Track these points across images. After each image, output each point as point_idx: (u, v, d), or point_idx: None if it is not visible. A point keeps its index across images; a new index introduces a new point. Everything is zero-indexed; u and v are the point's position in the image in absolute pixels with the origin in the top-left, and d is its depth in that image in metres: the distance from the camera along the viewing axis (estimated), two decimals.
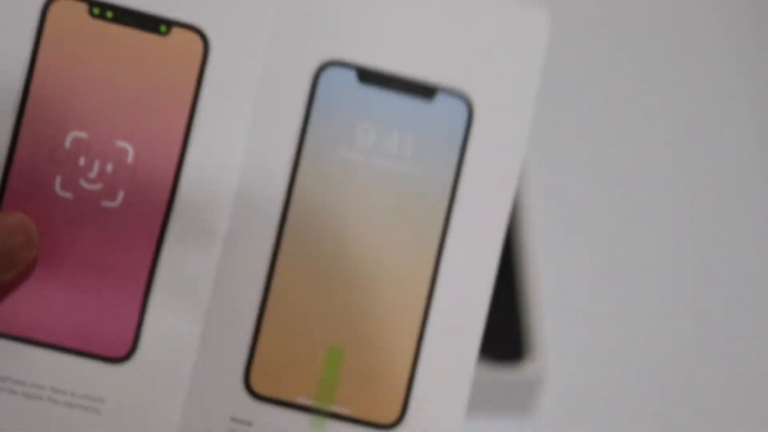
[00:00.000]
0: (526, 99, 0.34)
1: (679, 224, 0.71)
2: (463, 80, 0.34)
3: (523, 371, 0.59)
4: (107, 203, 0.33)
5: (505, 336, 0.60)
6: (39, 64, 0.33)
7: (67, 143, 0.33)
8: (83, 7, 0.33)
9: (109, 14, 0.33)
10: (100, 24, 0.33)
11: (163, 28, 0.33)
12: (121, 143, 0.33)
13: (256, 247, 0.34)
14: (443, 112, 0.34)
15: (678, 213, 0.72)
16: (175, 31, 0.33)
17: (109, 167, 0.33)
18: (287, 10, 0.34)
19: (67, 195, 0.33)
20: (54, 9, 0.33)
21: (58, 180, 0.33)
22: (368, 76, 0.34)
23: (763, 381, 0.66)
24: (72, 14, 0.33)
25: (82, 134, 0.33)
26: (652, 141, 0.74)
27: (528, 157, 0.68)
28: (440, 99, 0.34)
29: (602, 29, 0.76)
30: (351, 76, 0.34)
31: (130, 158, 0.33)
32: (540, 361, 0.60)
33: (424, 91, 0.34)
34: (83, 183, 0.33)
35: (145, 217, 0.33)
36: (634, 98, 0.76)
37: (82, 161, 0.33)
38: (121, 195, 0.33)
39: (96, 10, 0.33)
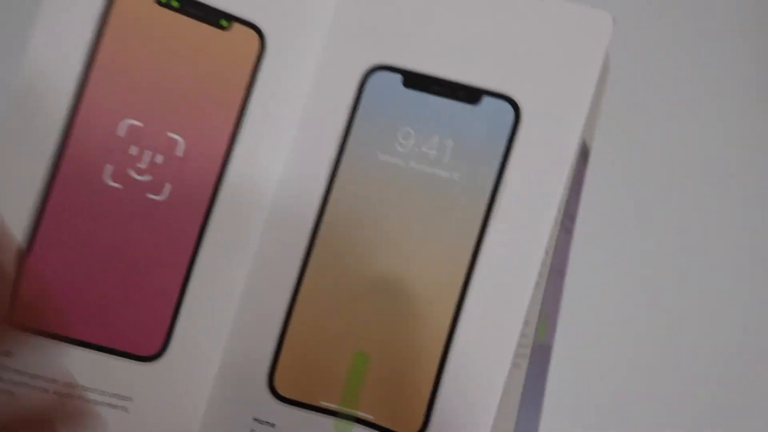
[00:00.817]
0: (580, 105, 0.33)
1: (679, 225, 0.72)
2: (512, 84, 0.33)
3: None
4: (153, 196, 0.32)
5: None
6: (102, 48, 0.31)
7: (121, 131, 0.31)
8: None
9: (175, 3, 0.32)
10: (165, 13, 0.32)
11: (224, 22, 0.32)
12: (172, 134, 0.32)
13: (289, 250, 0.33)
14: (489, 116, 0.33)
15: (678, 214, 0.72)
16: (235, 27, 0.32)
17: (159, 158, 0.32)
18: (343, 15, 0.34)
19: (117, 185, 0.31)
20: None
21: (108, 169, 0.31)
22: (413, 80, 0.34)
23: (764, 381, 0.67)
24: (139, 1, 0.32)
25: (137, 122, 0.31)
26: (651, 141, 0.73)
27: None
28: (486, 103, 0.33)
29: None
30: (396, 80, 0.34)
31: (180, 150, 0.32)
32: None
33: (469, 94, 0.33)
34: (132, 173, 0.31)
35: (187, 214, 0.32)
36: (634, 99, 0.77)
37: (134, 150, 0.31)
38: (167, 188, 0.32)
39: None
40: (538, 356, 0.38)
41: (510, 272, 0.33)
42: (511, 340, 0.32)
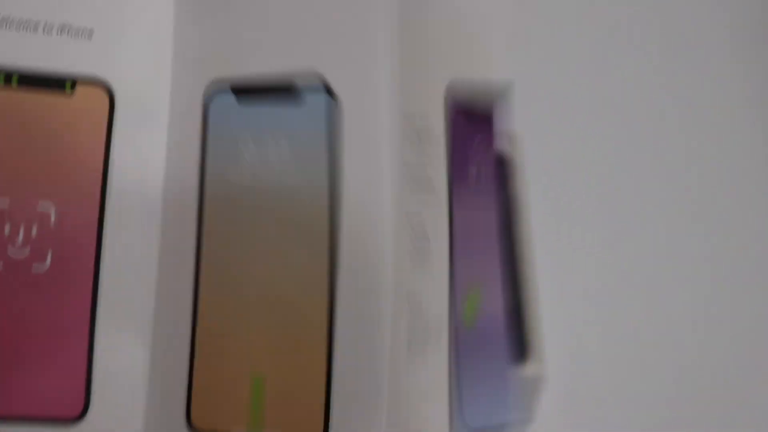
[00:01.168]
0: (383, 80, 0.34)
1: (678, 226, 0.72)
2: (326, 71, 0.33)
3: (524, 372, 0.60)
4: (38, 266, 0.33)
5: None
6: None
7: None
8: None
9: (14, 83, 0.33)
10: (6, 92, 0.33)
11: (68, 87, 0.34)
12: (42, 203, 0.33)
13: (182, 283, 0.34)
14: (311, 111, 0.34)
15: (678, 214, 0.72)
16: (80, 89, 0.34)
17: (34, 231, 0.33)
18: (182, 43, 0.35)
19: None
20: None
21: None
22: (241, 94, 0.34)
23: (764, 381, 0.67)
24: None
25: (4, 200, 0.33)
26: (653, 143, 0.73)
27: (527, 160, 0.68)
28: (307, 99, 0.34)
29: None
30: (230, 95, 0.34)
31: (53, 218, 0.33)
32: (540, 362, 0.61)
33: (289, 93, 0.34)
34: (11, 250, 0.33)
35: (76, 275, 0.33)
36: (636, 96, 0.78)
37: (6, 229, 0.33)
38: (49, 257, 0.33)
39: (0, 79, 0.33)
40: (472, 336, 0.37)
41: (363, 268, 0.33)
42: (382, 333, 0.33)
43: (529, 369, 0.61)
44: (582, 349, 0.66)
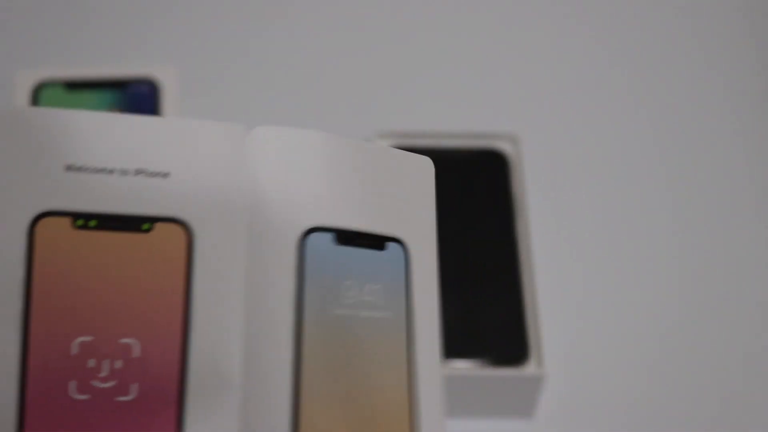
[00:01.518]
0: (432, 236, 0.40)
1: (678, 227, 0.75)
2: (400, 229, 0.39)
3: (524, 373, 0.62)
4: (122, 398, 0.35)
5: (506, 339, 0.64)
6: (35, 279, 0.34)
7: (75, 349, 0.35)
8: (67, 221, 0.35)
9: (92, 224, 0.35)
10: (85, 234, 0.35)
11: (145, 226, 0.35)
12: (125, 340, 0.35)
13: (273, 403, 0.36)
14: (392, 258, 0.39)
15: (677, 215, 0.75)
16: (158, 227, 0.35)
17: (119, 364, 0.35)
18: (259, 192, 0.36)
19: (84, 397, 0.35)
20: (40, 226, 0.34)
21: (72, 385, 0.35)
22: (343, 237, 0.37)
23: (760, 380, 0.68)
24: (57, 229, 0.35)
25: (88, 338, 0.35)
26: (652, 146, 0.78)
27: (527, 165, 0.70)
28: (389, 248, 0.39)
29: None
30: (328, 238, 0.37)
31: (136, 352, 0.35)
32: (540, 362, 0.62)
33: (379, 243, 0.38)
34: (97, 383, 0.35)
35: (161, 404, 0.35)
36: (629, 106, 0.80)
37: (91, 363, 0.35)
38: (134, 388, 0.35)
39: (79, 222, 0.35)
40: None
41: None
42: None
43: (529, 369, 0.63)
44: (581, 349, 0.68)
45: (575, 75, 0.82)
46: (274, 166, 0.37)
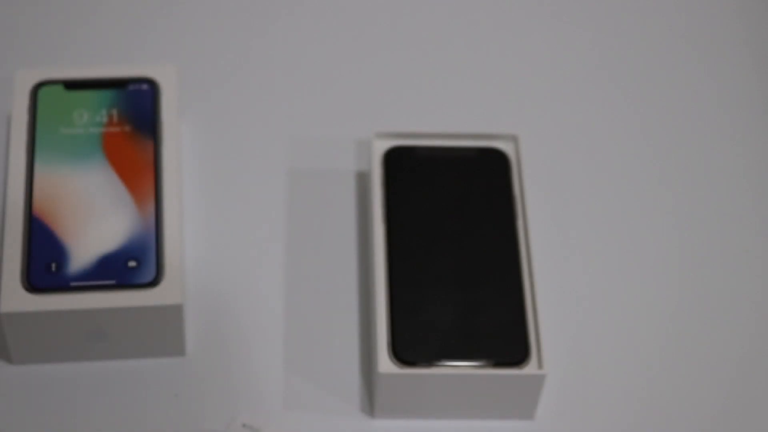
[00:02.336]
0: None
1: (678, 227, 0.74)
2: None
3: (524, 373, 0.62)
4: None
5: (506, 339, 0.63)
6: None
7: None
8: None
9: None
10: None
11: None
12: None
13: None
14: None
15: (677, 215, 0.74)
16: None
17: None
18: None
19: None
20: None
21: None
22: None
23: (761, 380, 0.68)
24: None
25: None
26: (651, 147, 0.78)
27: (527, 165, 0.70)
28: None
29: None
30: None
31: None
32: (540, 363, 0.62)
33: None
34: None
35: None
36: (629, 107, 0.80)
37: None
38: None
39: None
40: None
41: None
42: None
43: (529, 369, 0.63)
44: (581, 350, 0.67)
45: (575, 75, 0.82)
46: None
